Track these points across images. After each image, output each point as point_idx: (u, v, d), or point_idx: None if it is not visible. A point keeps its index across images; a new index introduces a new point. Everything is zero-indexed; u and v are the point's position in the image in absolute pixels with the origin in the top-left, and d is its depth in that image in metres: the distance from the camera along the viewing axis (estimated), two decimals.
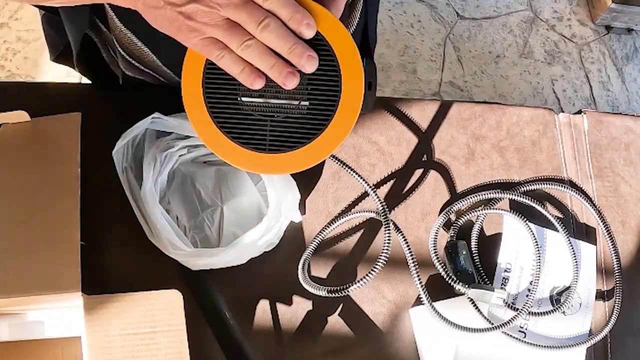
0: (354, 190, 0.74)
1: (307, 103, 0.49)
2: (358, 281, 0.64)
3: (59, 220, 0.64)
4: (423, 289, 0.67)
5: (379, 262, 0.64)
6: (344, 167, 0.66)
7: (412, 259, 0.66)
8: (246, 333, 0.67)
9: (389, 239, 0.65)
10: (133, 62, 0.70)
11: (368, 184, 0.66)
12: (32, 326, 0.63)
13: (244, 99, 0.49)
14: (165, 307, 0.61)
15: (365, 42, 0.78)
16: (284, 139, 0.49)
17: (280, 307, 0.69)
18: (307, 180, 0.73)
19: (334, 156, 0.64)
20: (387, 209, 0.66)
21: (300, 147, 0.49)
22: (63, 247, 0.62)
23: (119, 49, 0.69)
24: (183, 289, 0.62)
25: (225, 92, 0.49)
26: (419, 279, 0.67)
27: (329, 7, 0.49)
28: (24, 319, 0.63)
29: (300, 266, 0.68)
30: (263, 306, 0.68)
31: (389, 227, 0.65)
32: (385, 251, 0.64)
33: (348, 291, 0.65)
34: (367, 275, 0.64)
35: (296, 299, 0.69)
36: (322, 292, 0.65)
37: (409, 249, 0.67)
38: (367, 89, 0.50)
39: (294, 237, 0.71)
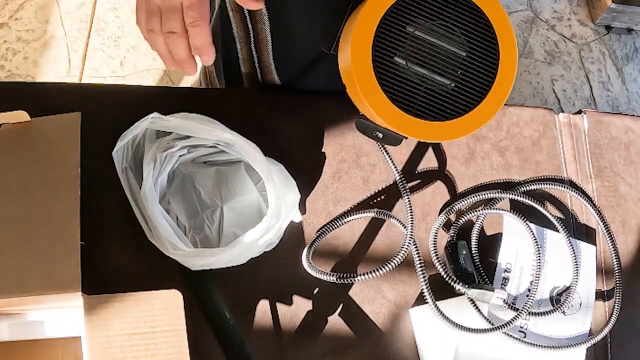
0: (354, 190, 0.74)
1: (458, 82, 0.54)
2: (372, 272, 0.65)
3: (59, 220, 0.64)
4: (427, 287, 0.67)
5: (397, 256, 0.66)
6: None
7: (419, 257, 0.67)
8: (246, 333, 0.67)
9: (412, 236, 0.67)
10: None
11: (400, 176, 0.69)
12: (32, 326, 0.63)
13: (402, 61, 0.54)
14: (165, 307, 0.61)
15: None
16: (432, 108, 0.54)
17: (280, 307, 0.69)
18: (307, 180, 0.73)
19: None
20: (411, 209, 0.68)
21: (446, 120, 0.55)
22: (63, 247, 0.62)
23: None
24: (183, 289, 0.62)
25: (390, 50, 0.54)
26: (424, 277, 0.67)
27: None
28: (24, 319, 0.63)
29: (305, 252, 0.68)
30: (263, 306, 0.68)
31: (412, 222, 0.67)
32: (404, 248, 0.66)
33: (357, 279, 0.65)
34: (383, 266, 0.65)
35: (296, 299, 0.69)
36: (331, 278, 0.66)
37: (416, 247, 0.67)
38: None
39: (294, 237, 0.71)
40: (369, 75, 0.53)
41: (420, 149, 0.78)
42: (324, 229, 0.71)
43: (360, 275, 0.65)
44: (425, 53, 0.54)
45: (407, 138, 0.59)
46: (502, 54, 0.54)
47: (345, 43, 0.56)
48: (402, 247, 0.67)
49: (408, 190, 0.71)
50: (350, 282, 0.67)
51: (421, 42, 0.54)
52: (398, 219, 0.71)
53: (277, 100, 0.77)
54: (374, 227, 0.73)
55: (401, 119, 0.54)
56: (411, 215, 0.69)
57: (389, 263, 0.65)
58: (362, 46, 0.53)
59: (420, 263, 0.67)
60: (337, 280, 0.66)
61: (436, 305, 0.67)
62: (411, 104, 0.54)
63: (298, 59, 0.74)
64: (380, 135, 0.60)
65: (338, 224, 0.71)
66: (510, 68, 0.55)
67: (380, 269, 0.65)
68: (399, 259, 0.66)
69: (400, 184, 0.70)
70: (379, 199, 0.75)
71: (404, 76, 0.54)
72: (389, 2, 0.53)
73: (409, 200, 0.70)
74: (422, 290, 0.68)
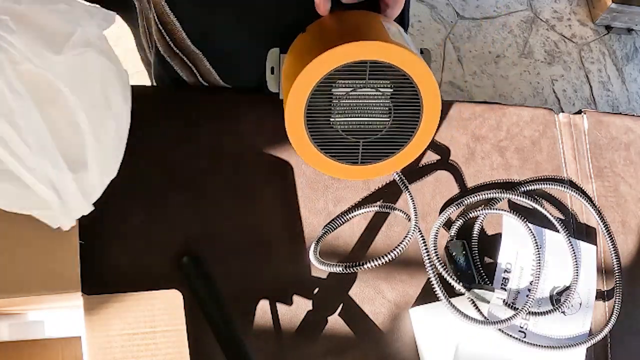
0: (354, 190, 0.74)
1: (390, 120, 0.61)
2: (377, 258, 0.64)
3: None
4: (437, 281, 0.66)
5: (402, 242, 0.65)
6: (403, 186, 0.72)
7: (425, 249, 0.67)
8: (246, 333, 0.67)
9: (416, 225, 0.68)
10: (166, 36, 0.72)
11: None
12: (32, 326, 0.63)
13: (337, 118, 0.60)
14: (165, 307, 0.61)
15: (402, 24, 0.81)
16: (373, 154, 0.62)
17: (280, 307, 0.69)
18: (307, 180, 0.73)
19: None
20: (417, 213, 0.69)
21: (388, 158, 0.63)
22: (63, 247, 0.62)
23: (155, 17, 0.70)
24: (183, 289, 0.62)
25: (323, 116, 0.60)
26: (433, 270, 0.66)
27: (387, 14, 0.62)
28: (24, 319, 0.63)
29: (312, 247, 0.68)
30: (263, 306, 0.68)
31: (418, 226, 0.67)
32: (406, 240, 0.65)
33: (364, 267, 0.64)
34: (388, 253, 0.64)
35: (296, 299, 0.69)
36: (338, 269, 0.65)
37: (422, 238, 0.67)
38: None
39: (294, 237, 0.71)
40: (307, 144, 0.61)
41: None
42: (328, 227, 0.71)
43: (367, 262, 0.64)
44: (358, 104, 0.60)
45: None
46: (421, 87, 0.59)
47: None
48: (407, 237, 0.65)
49: (407, 186, 0.70)
50: (357, 270, 0.66)
51: (351, 97, 0.59)
52: (402, 211, 0.70)
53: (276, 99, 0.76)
54: (374, 227, 0.73)
55: (346, 170, 0.63)
56: (414, 207, 0.67)
57: (396, 249, 0.64)
58: (296, 122, 0.59)
59: (427, 255, 0.66)
60: (344, 270, 0.65)
61: (447, 297, 0.66)
62: (354, 157, 0.62)
63: (249, 79, 0.74)
64: None
65: (342, 221, 0.71)
66: (433, 97, 0.61)
67: (387, 255, 0.64)
68: (404, 245, 0.63)
69: (400, 180, 0.70)
70: (379, 198, 0.74)
71: (339, 135, 0.61)
72: (321, 74, 0.57)
73: (410, 195, 0.68)
74: (431, 284, 0.65)
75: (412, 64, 0.57)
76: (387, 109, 0.60)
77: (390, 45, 0.56)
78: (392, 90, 0.59)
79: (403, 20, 0.81)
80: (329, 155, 0.61)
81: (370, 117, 0.60)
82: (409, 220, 0.67)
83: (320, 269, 0.66)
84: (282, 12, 0.66)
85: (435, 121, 0.61)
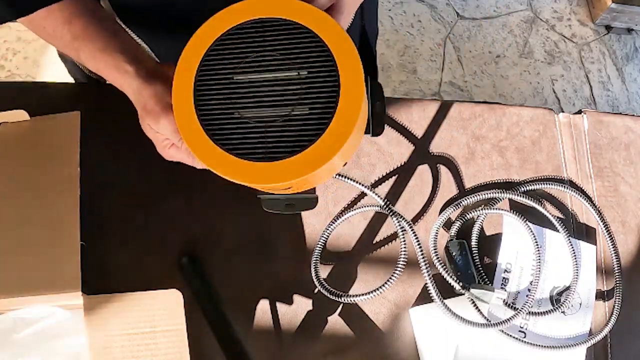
0: (354, 190, 0.74)
1: (306, 109, 0.46)
2: (380, 287, 0.66)
3: (59, 220, 0.64)
4: (433, 284, 0.67)
5: (397, 267, 0.66)
6: (349, 181, 0.67)
7: (422, 254, 0.68)
8: (246, 333, 0.67)
9: (404, 247, 0.67)
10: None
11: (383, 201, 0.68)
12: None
13: (238, 111, 0.46)
14: (165, 307, 0.61)
15: (364, 40, 0.78)
16: (283, 144, 0.45)
17: (280, 307, 0.69)
18: None
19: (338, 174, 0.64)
20: (406, 221, 0.68)
21: (298, 153, 0.45)
22: (63, 247, 0.62)
23: None
24: (183, 289, 0.62)
25: (218, 103, 0.47)
26: (428, 273, 0.67)
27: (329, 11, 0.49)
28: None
29: (313, 273, 0.68)
30: (263, 306, 0.68)
31: (404, 231, 0.67)
32: (403, 256, 0.67)
33: (367, 297, 0.67)
34: (389, 279, 0.66)
35: (296, 298, 0.69)
36: (342, 299, 0.67)
37: (419, 245, 0.67)
38: (372, 110, 0.49)
39: (294, 236, 0.71)
40: (203, 139, 0.46)
41: (420, 149, 0.78)
42: (326, 231, 0.71)
43: (369, 293, 0.66)
44: (262, 91, 0.46)
45: (316, 197, 0.54)
46: (342, 69, 0.45)
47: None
48: (402, 248, 0.67)
49: (393, 211, 0.70)
50: (357, 300, 0.69)
51: (249, 83, 0.46)
52: (400, 215, 0.70)
53: None
54: (374, 226, 0.73)
55: (254, 169, 0.45)
56: (410, 224, 0.69)
57: (396, 270, 0.66)
58: (185, 111, 0.46)
59: (423, 260, 0.67)
60: (346, 300, 0.67)
61: (442, 301, 0.67)
62: (258, 151, 0.46)
63: None
64: (293, 204, 0.54)
65: (337, 224, 0.71)
66: (354, 78, 0.45)
67: (390, 280, 0.66)
68: (403, 260, 0.66)
69: (386, 207, 0.69)
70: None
71: (242, 125, 0.46)
72: (204, 48, 0.46)
73: (398, 218, 0.69)
74: (427, 287, 0.68)
75: (318, 21, 0.45)
76: (300, 95, 0.46)
77: (298, 3, 0.45)
78: (306, 72, 0.46)
79: (366, 32, 0.78)
80: (229, 149, 0.46)
81: (279, 107, 0.46)
82: (404, 231, 0.68)
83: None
84: None
85: (357, 110, 0.45)
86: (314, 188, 0.57)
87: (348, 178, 0.68)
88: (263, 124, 0.46)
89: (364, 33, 0.78)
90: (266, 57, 0.46)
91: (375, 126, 0.49)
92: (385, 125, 0.77)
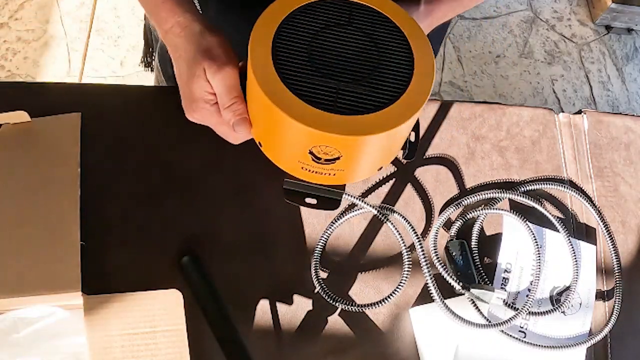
0: (354, 190, 0.74)
1: (381, 76, 0.49)
2: (383, 300, 0.67)
3: (59, 220, 0.64)
4: (434, 284, 0.67)
5: (403, 276, 0.67)
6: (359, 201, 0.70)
7: (423, 253, 0.68)
8: (246, 333, 0.67)
9: (407, 252, 0.68)
10: None
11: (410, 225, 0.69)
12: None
13: (314, 56, 0.49)
14: (165, 307, 0.61)
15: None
16: (354, 102, 0.48)
17: (280, 307, 0.69)
18: None
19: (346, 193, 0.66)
20: (417, 233, 0.69)
21: (370, 113, 0.48)
22: (63, 247, 0.62)
23: None
24: (183, 289, 0.62)
25: (296, 51, 0.49)
26: (430, 275, 0.67)
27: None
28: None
29: (314, 276, 0.68)
30: (263, 306, 0.68)
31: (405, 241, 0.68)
32: (407, 265, 0.68)
33: (367, 308, 0.68)
34: (393, 293, 0.67)
35: (296, 298, 0.69)
36: (342, 306, 0.68)
37: (421, 245, 0.68)
38: (410, 139, 0.53)
39: (294, 236, 0.71)
40: (274, 79, 0.48)
41: (420, 150, 0.78)
42: (326, 232, 0.71)
43: (375, 304, 0.68)
44: (339, 49, 0.50)
45: (340, 200, 0.56)
46: (413, 43, 0.51)
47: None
48: (406, 254, 0.67)
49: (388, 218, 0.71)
50: (359, 310, 0.69)
51: (331, 37, 0.50)
52: (401, 214, 0.71)
53: None
54: (374, 226, 0.73)
55: (324, 118, 0.47)
56: (411, 226, 0.69)
57: (402, 282, 0.68)
58: (263, 59, 0.48)
59: (425, 260, 0.67)
60: (346, 306, 0.68)
61: (443, 301, 0.67)
62: (329, 100, 0.48)
63: None
64: (314, 201, 0.55)
65: (337, 225, 0.71)
66: (425, 52, 0.51)
67: (395, 292, 0.68)
68: (408, 266, 0.67)
69: (380, 213, 0.70)
70: (378, 199, 0.74)
71: (316, 73, 0.49)
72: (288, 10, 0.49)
73: (401, 221, 0.70)
74: (427, 287, 0.68)
75: (401, 17, 0.50)
76: (374, 58, 0.50)
77: None
78: (381, 48, 0.50)
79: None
80: (302, 96, 0.47)
81: (353, 60, 0.49)
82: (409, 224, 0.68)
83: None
84: None
85: (430, 82, 0.49)
86: (344, 186, 0.57)
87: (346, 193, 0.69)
88: (337, 80, 0.48)
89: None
90: (350, 28, 0.50)
91: (410, 150, 0.53)
92: None
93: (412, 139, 0.56)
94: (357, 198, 0.70)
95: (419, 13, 0.59)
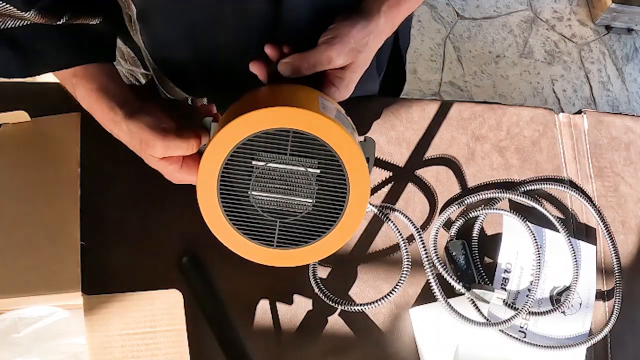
0: None
1: (314, 202, 0.52)
2: (383, 298, 0.67)
3: (59, 220, 0.64)
4: (436, 283, 0.67)
5: (402, 276, 0.67)
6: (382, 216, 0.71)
7: (425, 252, 0.68)
8: (246, 333, 0.67)
9: (406, 252, 0.68)
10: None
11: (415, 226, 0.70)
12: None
13: (254, 193, 0.52)
14: (165, 307, 0.61)
15: (396, 50, 0.80)
16: (292, 237, 0.53)
17: (280, 307, 0.69)
18: None
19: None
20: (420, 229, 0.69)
21: (307, 245, 0.53)
22: (63, 247, 0.62)
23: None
24: (183, 289, 0.62)
25: (238, 189, 0.52)
26: (433, 275, 0.67)
27: (331, 93, 0.55)
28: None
29: (312, 277, 0.68)
30: (263, 306, 0.68)
31: (406, 241, 0.68)
32: (406, 263, 0.67)
33: (366, 307, 0.67)
34: (392, 290, 0.66)
35: (296, 298, 0.69)
36: (340, 307, 0.68)
37: (423, 245, 0.68)
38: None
39: None
40: (220, 218, 0.54)
41: (420, 149, 0.78)
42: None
43: (373, 302, 0.67)
44: (278, 180, 0.52)
45: None
46: (350, 171, 0.52)
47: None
48: (405, 253, 0.67)
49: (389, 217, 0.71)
50: (359, 310, 0.69)
51: (271, 171, 0.52)
52: (403, 212, 0.70)
53: None
54: (375, 226, 0.73)
55: (264, 253, 0.54)
56: (414, 225, 0.69)
57: (403, 275, 0.67)
58: (209, 198, 0.52)
59: (427, 259, 0.67)
60: (344, 307, 0.68)
61: (446, 300, 0.67)
62: (270, 239, 0.53)
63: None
64: None
65: None
66: (361, 182, 0.52)
67: (395, 289, 0.67)
68: (407, 265, 0.67)
69: (380, 213, 0.70)
70: (378, 199, 0.74)
71: (256, 212, 0.53)
72: (231, 145, 0.51)
73: (401, 216, 0.70)
74: (430, 286, 0.67)
75: (339, 139, 0.50)
76: (311, 191, 0.52)
77: (314, 115, 0.49)
78: (319, 171, 0.51)
79: (400, 48, 0.80)
80: (244, 233, 0.54)
81: (292, 196, 0.52)
82: (410, 221, 0.68)
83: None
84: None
85: (362, 211, 0.52)
86: None
87: None
88: (275, 215, 0.53)
89: (397, 43, 0.78)
90: (286, 156, 0.51)
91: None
92: (386, 125, 0.78)
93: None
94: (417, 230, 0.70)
95: (378, 22, 0.58)
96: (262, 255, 0.54)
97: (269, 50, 0.56)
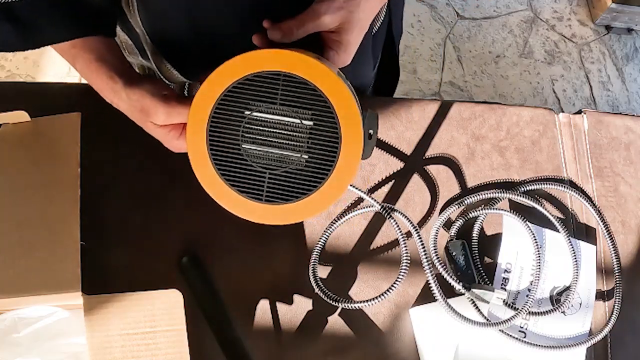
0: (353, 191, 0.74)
1: (306, 156, 0.50)
2: (383, 294, 0.66)
3: (59, 220, 0.64)
4: (436, 283, 0.67)
5: (401, 272, 0.67)
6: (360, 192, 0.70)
7: (424, 252, 0.68)
8: (246, 333, 0.67)
9: (406, 250, 0.68)
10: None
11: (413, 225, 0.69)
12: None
13: (245, 145, 0.50)
14: (165, 307, 0.61)
15: (390, 38, 0.80)
16: (281, 191, 0.51)
17: (280, 307, 0.69)
18: None
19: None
20: (417, 227, 0.70)
21: (297, 200, 0.51)
22: (63, 247, 0.62)
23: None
24: (183, 289, 0.62)
25: (228, 138, 0.51)
26: (432, 275, 0.67)
27: (330, 57, 0.54)
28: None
29: (311, 276, 0.68)
30: (263, 306, 0.68)
31: (405, 237, 0.68)
32: (405, 261, 0.67)
33: (365, 304, 0.67)
34: (390, 287, 0.66)
35: (296, 298, 0.69)
36: (340, 305, 0.67)
37: (422, 245, 0.68)
38: (367, 138, 0.52)
39: (294, 236, 0.71)
40: (208, 168, 0.51)
41: (420, 149, 0.78)
42: (326, 232, 0.71)
43: (371, 300, 0.67)
44: (270, 132, 0.51)
45: None
46: (342, 122, 0.50)
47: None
48: (404, 251, 0.67)
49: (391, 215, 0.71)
50: (357, 307, 0.69)
51: (262, 121, 0.50)
52: (402, 213, 0.70)
53: None
54: (375, 226, 0.73)
55: (252, 207, 0.52)
56: (413, 225, 0.69)
57: (401, 273, 0.67)
58: (198, 146, 0.51)
59: (426, 259, 0.67)
60: (344, 305, 0.67)
61: (446, 300, 0.67)
62: (259, 192, 0.51)
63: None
64: None
65: (337, 225, 0.71)
66: (354, 134, 0.50)
67: (394, 285, 0.67)
68: (406, 264, 0.67)
69: (384, 211, 0.70)
70: (378, 198, 0.75)
71: (246, 163, 0.51)
72: (220, 90, 0.50)
73: (396, 222, 0.70)
74: (429, 287, 0.68)
75: (332, 86, 0.48)
76: (303, 145, 0.50)
77: (306, 58, 0.47)
78: (312, 123, 0.50)
79: (393, 36, 0.81)
80: (232, 185, 0.51)
81: (283, 150, 0.51)
82: (410, 222, 0.68)
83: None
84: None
85: (353, 169, 0.50)
86: None
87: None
88: (265, 167, 0.51)
89: (390, 32, 0.79)
90: (277, 104, 0.50)
91: (366, 152, 0.52)
92: (386, 125, 0.78)
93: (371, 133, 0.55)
94: (364, 192, 0.70)
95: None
96: (251, 209, 0.52)
97: (267, 24, 0.55)
